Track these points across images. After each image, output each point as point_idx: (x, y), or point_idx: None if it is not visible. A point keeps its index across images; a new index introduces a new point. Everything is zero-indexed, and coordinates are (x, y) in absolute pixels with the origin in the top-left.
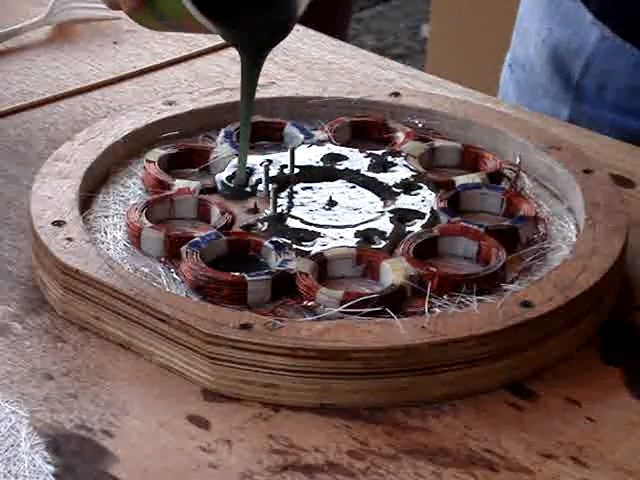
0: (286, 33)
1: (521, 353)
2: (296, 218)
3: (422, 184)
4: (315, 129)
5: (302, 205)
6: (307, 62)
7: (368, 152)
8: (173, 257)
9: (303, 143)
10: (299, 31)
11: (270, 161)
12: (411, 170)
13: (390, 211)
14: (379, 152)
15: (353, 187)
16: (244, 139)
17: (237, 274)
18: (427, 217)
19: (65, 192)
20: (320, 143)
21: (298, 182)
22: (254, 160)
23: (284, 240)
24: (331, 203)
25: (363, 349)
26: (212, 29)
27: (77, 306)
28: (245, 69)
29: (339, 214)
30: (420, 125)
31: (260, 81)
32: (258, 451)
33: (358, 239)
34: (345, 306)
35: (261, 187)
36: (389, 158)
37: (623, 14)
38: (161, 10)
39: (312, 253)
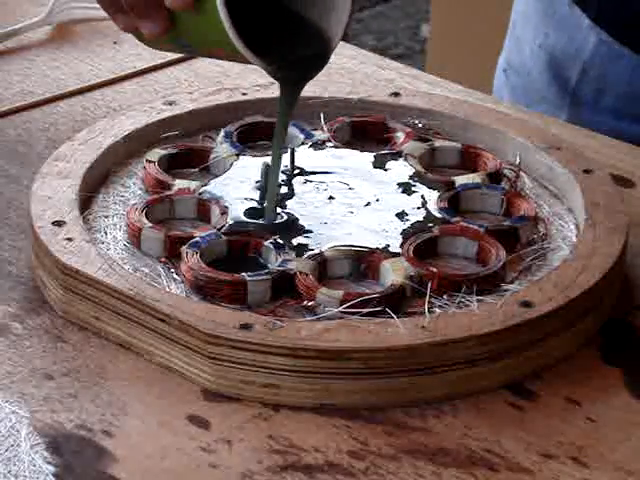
0: (323, 66)
1: (521, 353)
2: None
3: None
4: (315, 129)
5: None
6: None
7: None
8: (173, 257)
9: (303, 143)
10: None
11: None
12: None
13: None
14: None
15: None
16: (275, 170)
17: (237, 274)
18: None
19: (65, 192)
20: (320, 145)
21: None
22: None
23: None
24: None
25: (363, 349)
26: (253, 63)
27: (77, 306)
28: (283, 100)
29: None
30: (420, 125)
31: (260, 81)
32: (258, 451)
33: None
34: (345, 306)
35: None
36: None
37: (621, 18)
38: (187, 39)
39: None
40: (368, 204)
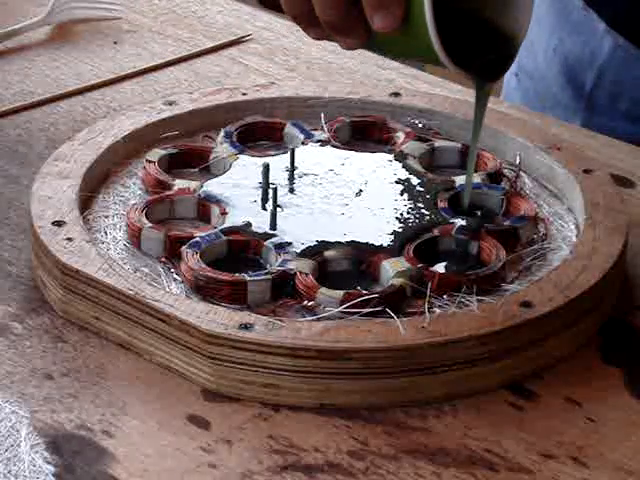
0: (510, 65)
1: (521, 353)
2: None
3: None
4: (315, 129)
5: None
6: (307, 62)
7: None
8: (173, 257)
9: (303, 143)
10: (299, 31)
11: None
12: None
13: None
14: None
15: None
16: (472, 160)
17: (237, 274)
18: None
19: (65, 192)
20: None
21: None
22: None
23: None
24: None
25: (363, 349)
26: (455, 72)
27: (77, 306)
28: (478, 100)
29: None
30: (420, 125)
31: (260, 81)
32: (258, 451)
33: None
34: (345, 306)
35: None
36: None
37: (637, 22)
38: (382, 48)
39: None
40: (368, 204)
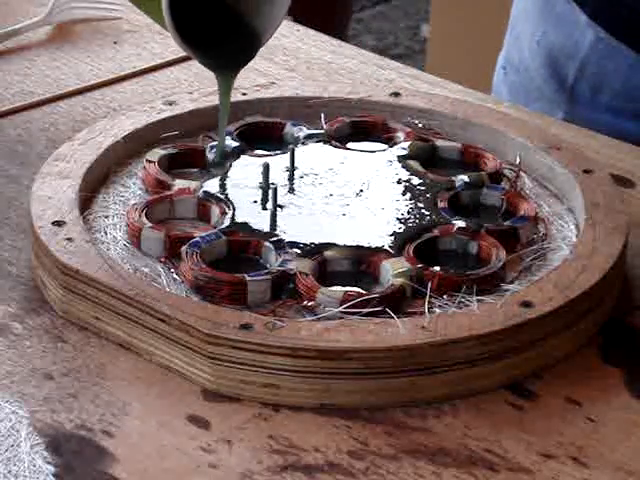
0: (247, 62)
1: (521, 353)
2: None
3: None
4: (315, 129)
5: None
6: (307, 62)
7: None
8: (173, 257)
9: (303, 143)
10: (299, 31)
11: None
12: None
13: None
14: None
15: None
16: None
17: (237, 274)
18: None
19: (65, 192)
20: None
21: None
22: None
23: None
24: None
25: (363, 349)
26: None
27: (77, 306)
28: (219, 87)
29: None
30: (420, 125)
31: (260, 81)
32: (258, 451)
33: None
34: (345, 306)
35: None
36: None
37: (618, 15)
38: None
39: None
40: (368, 204)
